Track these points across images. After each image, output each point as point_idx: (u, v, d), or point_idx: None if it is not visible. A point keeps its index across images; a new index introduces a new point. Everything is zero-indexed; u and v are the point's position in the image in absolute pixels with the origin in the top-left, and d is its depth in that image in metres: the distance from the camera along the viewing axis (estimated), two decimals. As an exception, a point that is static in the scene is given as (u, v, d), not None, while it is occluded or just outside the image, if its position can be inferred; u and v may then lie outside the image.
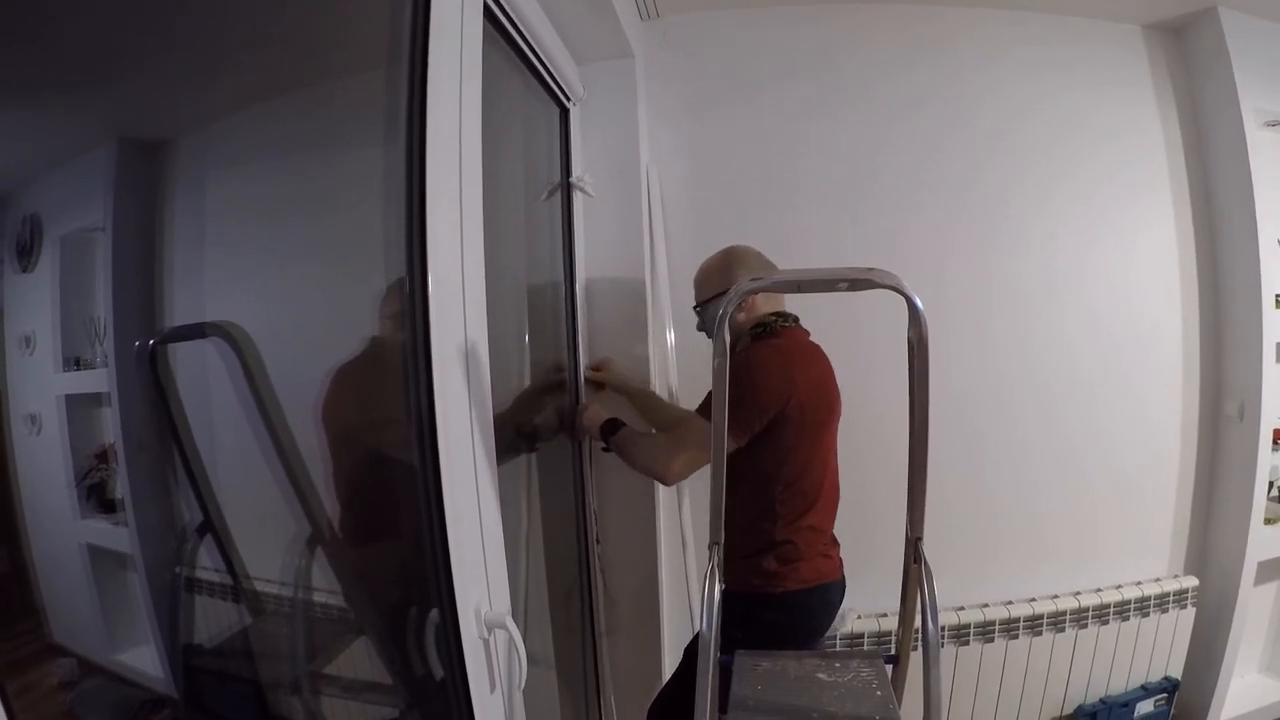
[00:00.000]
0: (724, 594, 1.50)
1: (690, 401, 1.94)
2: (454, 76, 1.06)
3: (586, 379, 1.91)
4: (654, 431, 1.76)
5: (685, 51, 2.09)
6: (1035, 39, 2.17)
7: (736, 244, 1.60)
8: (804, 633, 1.51)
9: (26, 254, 0.76)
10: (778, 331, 1.51)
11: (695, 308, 1.64)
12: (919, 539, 1.06)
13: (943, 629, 2.03)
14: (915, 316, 0.91)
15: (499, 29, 1.37)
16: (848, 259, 1.00)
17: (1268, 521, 2.18)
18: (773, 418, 1.40)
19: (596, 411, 1.70)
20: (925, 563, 1.03)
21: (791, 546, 1.46)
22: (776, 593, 1.45)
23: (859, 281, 0.87)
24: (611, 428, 1.62)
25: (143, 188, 0.84)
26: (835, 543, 1.58)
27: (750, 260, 1.55)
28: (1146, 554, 2.28)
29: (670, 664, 1.98)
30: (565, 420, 1.87)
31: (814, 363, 1.49)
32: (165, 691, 0.87)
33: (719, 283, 1.55)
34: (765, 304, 1.55)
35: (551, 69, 1.65)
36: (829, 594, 1.52)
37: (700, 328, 1.65)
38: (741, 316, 1.53)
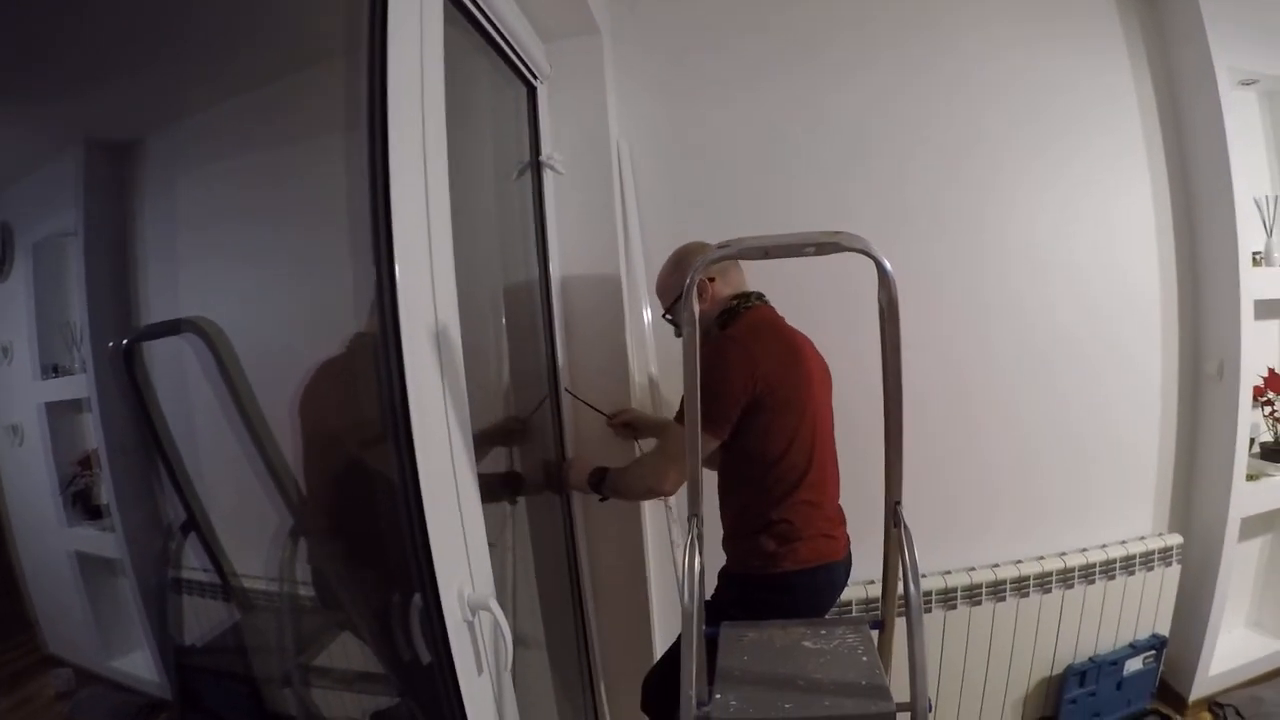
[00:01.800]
0: (725, 574, 1.54)
1: (671, 384, 1.95)
2: (414, 58, 1.05)
3: (608, 424, 1.90)
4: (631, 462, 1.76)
5: (653, 25, 2.07)
6: (1015, 13, 2.17)
7: (683, 244, 1.63)
8: (805, 613, 1.49)
9: (0, 263, 0.76)
10: (741, 312, 1.52)
11: (665, 316, 1.66)
12: (898, 503, 1.06)
13: (931, 593, 2.05)
14: (884, 279, 0.90)
15: (460, 8, 1.35)
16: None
17: (1249, 478, 2.20)
18: (745, 405, 1.41)
19: (582, 465, 1.70)
20: (905, 526, 1.03)
21: (789, 525, 1.45)
22: (775, 573, 1.45)
23: (825, 245, 0.87)
24: (599, 476, 1.62)
25: (112, 190, 0.84)
26: (840, 520, 1.57)
27: (699, 254, 1.54)
28: (1131, 513, 2.31)
29: (660, 639, 2.00)
30: (551, 477, 1.87)
31: (776, 338, 1.50)
32: (161, 695, 0.88)
33: (676, 284, 1.58)
34: (725, 288, 1.57)
35: (516, 47, 1.64)
36: (831, 574, 1.52)
37: (678, 334, 1.63)
38: (704, 307, 1.53)
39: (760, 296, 1.58)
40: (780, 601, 1.45)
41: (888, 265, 0.90)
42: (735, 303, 1.54)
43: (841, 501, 1.60)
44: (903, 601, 1.05)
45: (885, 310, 0.93)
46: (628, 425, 1.89)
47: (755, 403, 1.41)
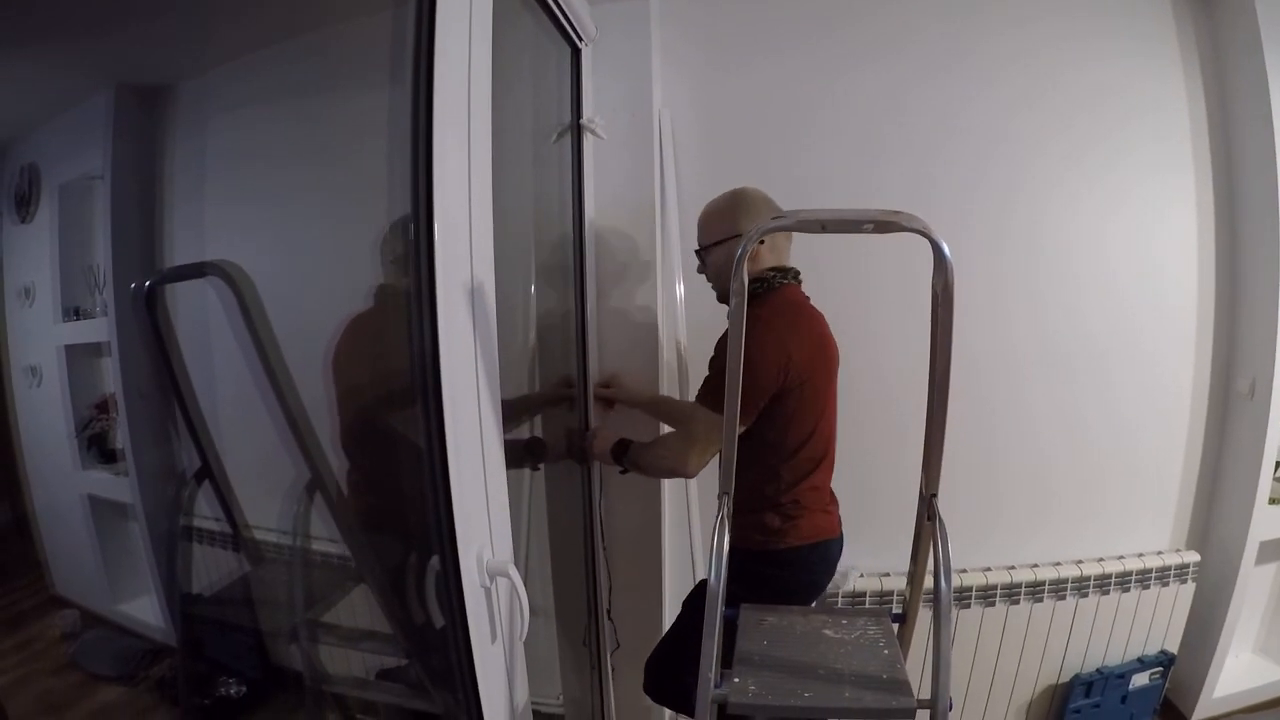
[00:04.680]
0: (730, 553, 1.51)
1: (698, 361, 1.92)
2: (463, 9, 1.01)
3: (595, 396, 1.88)
4: (654, 440, 1.74)
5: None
6: (1064, 7, 2.11)
7: (745, 186, 1.53)
8: (804, 588, 1.51)
9: (25, 204, 0.76)
10: (775, 287, 1.46)
11: (697, 250, 1.57)
12: (934, 495, 1.03)
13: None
14: (941, 263, 0.87)
15: (510, -38, 1.32)
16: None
17: (1272, 501, 2.16)
18: (773, 394, 1.38)
19: (605, 436, 1.68)
20: (940, 520, 1.01)
21: (795, 504, 1.45)
22: (778, 549, 1.45)
23: (885, 223, 0.84)
24: (623, 449, 1.60)
25: (142, 134, 0.83)
26: (834, 499, 1.57)
27: (759, 206, 1.48)
28: (1149, 526, 2.27)
29: (670, 615, 1.97)
30: (574, 446, 1.86)
31: (807, 326, 1.45)
32: (165, 641, 0.89)
33: (722, 228, 1.49)
34: (770, 255, 1.49)
35: (564, 6, 1.60)
36: (829, 551, 1.52)
37: (700, 270, 1.59)
38: (719, 260, 1.47)
39: (797, 274, 1.51)
40: (779, 576, 1.45)
41: (946, 249, 0.87)
42: (772, 274, 1.47)
43: (852, 487, 1.59)
44: (929, 596, 1.03)
45: (940, 296, 0.90)
46: (608, 402, 1.88)
47: (781, 394, 1.38)
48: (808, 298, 1.52)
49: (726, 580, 1.42)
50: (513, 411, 1.57)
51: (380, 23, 1.10)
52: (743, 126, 2.05)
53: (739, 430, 1.38)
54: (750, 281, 1.43)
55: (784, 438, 1.42)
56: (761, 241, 1.46)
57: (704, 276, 1.59)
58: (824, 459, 1.48)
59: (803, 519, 1.45)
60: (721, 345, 1.39)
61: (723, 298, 1.53)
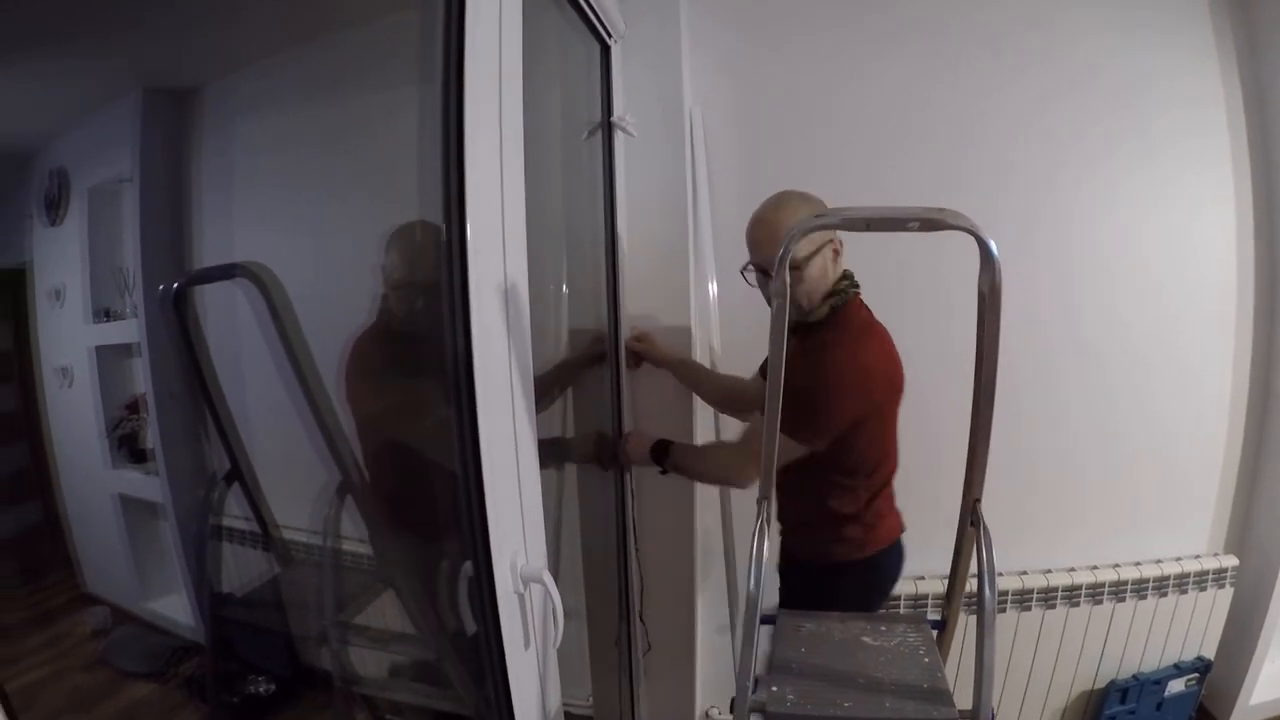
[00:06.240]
0: (803, 567, 1.53)
1: (731, 363, 1.91)
2: (493, 8, 1.00)
3: (627, 347, 1.87)
4: (706, 446, 1.74)
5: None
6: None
7: (789, 191, 1.38)
8: (883, 590, 1.55)
9: (55, 207, 0.77)
10: (849, 299, 1.38)
11: (743, 270, 1.42)
12: (977, 500, 1.01)
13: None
14: (988, 262, 0.84)
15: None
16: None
17: (1313, 504, 2.11)
18: (850, 424, 1.35)
19: (640, 438, 1.65)
20: (984, 526, 0.98)
21: (872, 513, 1.47)
22: (863, 558, 1.47)
23: (930, 221, 0.81)
24: (663, 449, 1.57)
25: (170, 137, 0.84)
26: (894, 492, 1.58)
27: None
28: (1187, 529, 2.22)
29: (704, 617, 1.99)
30: (607, 451, 1.84)
31: (879, 347, 1.39)
32: (195, 639, 0.88)
33: (774, 249, 1.27)
34: (839, 264, 1.40)
35: (592, 3, 1.59)
36: (902, 551, 1.55)
37: (759, 286, 1.43)
38: (819, 279, 1.36)
39: (855, 282, 1.43)
40: (865, 582, 1.50)
41: (994, 248, 0.84)
42: (844, 285, 1.39)
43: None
44: (970, 603, 1.00)
45: (986, 297, 0.87)
46: (637, 357, 1.86)
47: (860, 421, 1.35)
48: (875, 321, 1.44)
49: (807, 596, 1.44)
50: (544, 386, 1.48)
51: (409, 22, 1.09)
52: (776, 121, 2.03)
53: (807, 451, 1.34)
54: (828, 296, 1.37)
55: (861, 463, 1.42)
56: (836, 251, 1.37)
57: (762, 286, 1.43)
58: (894, 469, 1.50)
59: (879, 525, 1.47)
60: (792, 367, 1.23)
61: (800, 316, 1.38)
